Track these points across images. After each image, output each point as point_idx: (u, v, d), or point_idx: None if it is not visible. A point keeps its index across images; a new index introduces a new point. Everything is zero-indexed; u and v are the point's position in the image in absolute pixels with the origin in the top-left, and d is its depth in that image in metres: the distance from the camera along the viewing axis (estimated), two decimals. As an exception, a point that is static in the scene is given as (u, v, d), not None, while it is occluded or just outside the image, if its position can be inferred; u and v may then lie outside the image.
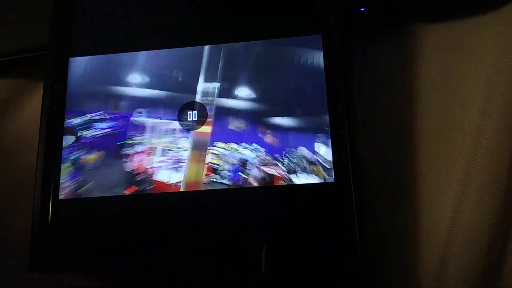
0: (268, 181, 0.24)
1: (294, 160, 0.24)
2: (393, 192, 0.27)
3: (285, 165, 0.24)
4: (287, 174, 0.24)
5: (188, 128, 0.25)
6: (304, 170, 0.24)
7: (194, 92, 0.26)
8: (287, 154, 0.24)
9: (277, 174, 0.24)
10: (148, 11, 0.27)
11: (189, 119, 0.25)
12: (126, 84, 0.26)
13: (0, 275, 0.29)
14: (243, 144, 0.25)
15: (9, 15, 0.31)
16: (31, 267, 0.24)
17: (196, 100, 0.26)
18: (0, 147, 0.32)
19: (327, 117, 0.24)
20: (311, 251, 0.23)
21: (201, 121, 0.25)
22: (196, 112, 0.25)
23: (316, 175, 0.24)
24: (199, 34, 0.26)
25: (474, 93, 0.27)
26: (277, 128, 0.25)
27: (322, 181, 0.23)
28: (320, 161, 0.24)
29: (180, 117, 0.25)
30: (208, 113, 0.25)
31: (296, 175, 0.24)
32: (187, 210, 0.24)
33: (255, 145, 0.25)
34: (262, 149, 0.25)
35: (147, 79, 0.26)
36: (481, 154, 0.25)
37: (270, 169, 0.24)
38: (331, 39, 0.24)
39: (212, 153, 0.25)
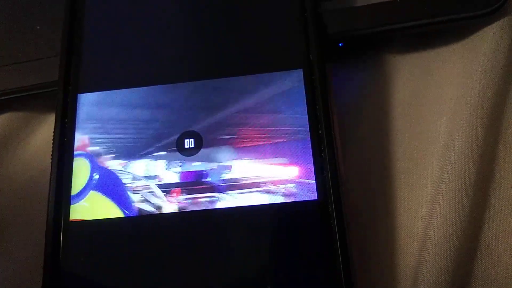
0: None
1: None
2: (372, 208, 0.30)
3: None
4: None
5: None
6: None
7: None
8: None
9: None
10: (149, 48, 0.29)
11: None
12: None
13: None
14: None
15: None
16: None
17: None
18: (12, 172, 0.34)
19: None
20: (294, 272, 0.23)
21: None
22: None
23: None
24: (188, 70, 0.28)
25: (442, 115, 0.31)
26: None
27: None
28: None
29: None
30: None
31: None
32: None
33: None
34: None
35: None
36: (447, 171, 0.28)
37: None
38: (311, 73, 0.26)
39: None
